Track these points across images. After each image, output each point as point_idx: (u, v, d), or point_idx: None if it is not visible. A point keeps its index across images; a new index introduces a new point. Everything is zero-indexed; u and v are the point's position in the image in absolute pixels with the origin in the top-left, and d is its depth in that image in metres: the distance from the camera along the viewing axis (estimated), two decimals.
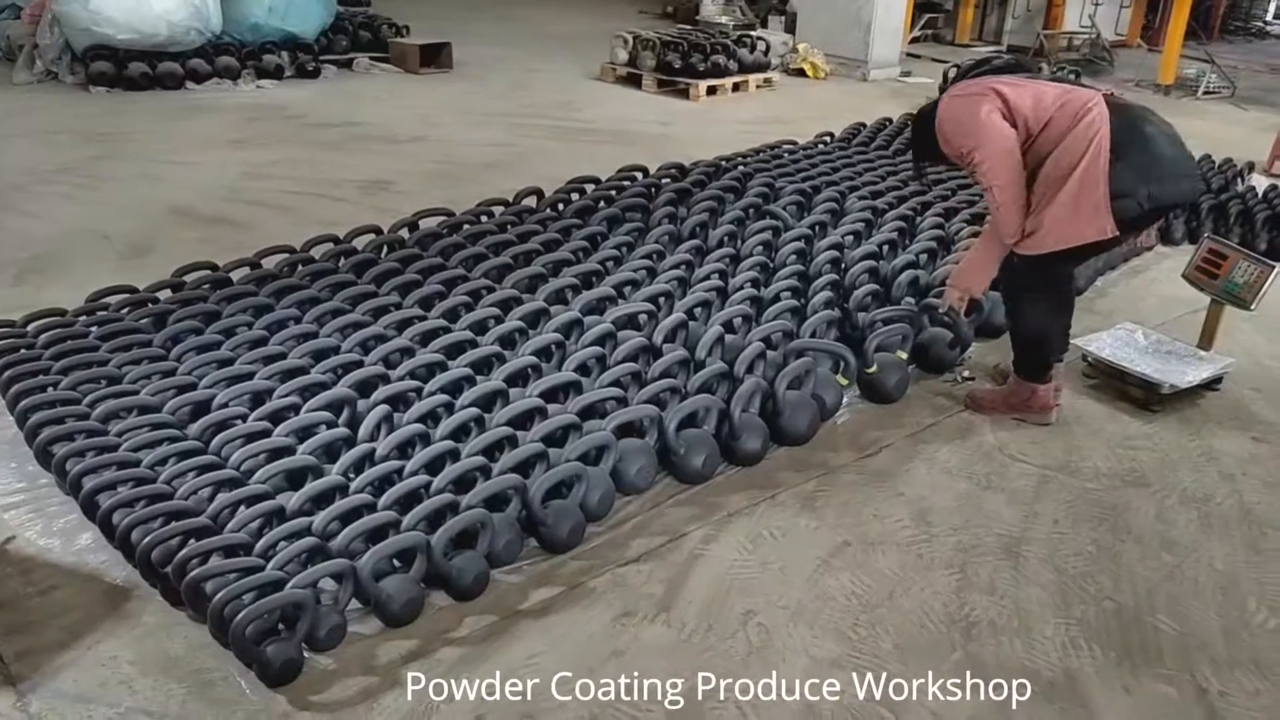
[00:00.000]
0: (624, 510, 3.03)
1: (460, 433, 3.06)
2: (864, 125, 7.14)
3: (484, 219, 4.90)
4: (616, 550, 2.88)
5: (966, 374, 3.88)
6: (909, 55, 11.61)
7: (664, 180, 5.56)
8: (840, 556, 2.87)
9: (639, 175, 5.61)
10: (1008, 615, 2.66)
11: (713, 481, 3.17)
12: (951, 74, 8.90)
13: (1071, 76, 8.67)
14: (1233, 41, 14.66)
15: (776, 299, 3.97)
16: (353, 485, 2.79)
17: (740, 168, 5.92)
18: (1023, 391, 3.58)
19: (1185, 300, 4.33)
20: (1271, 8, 17.57)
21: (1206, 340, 3.95)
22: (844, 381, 3.56)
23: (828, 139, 6.91)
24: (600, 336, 3.56)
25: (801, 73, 10.36)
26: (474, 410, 3.09)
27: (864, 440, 3.46)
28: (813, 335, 3.71)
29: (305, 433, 3.04)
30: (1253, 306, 3.74)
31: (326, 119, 7.83)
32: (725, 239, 4.65)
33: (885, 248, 4.56)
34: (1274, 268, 3.70)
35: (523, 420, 3.11)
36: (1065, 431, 3.55)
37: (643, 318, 3.80)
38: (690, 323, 3.82)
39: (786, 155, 6.31)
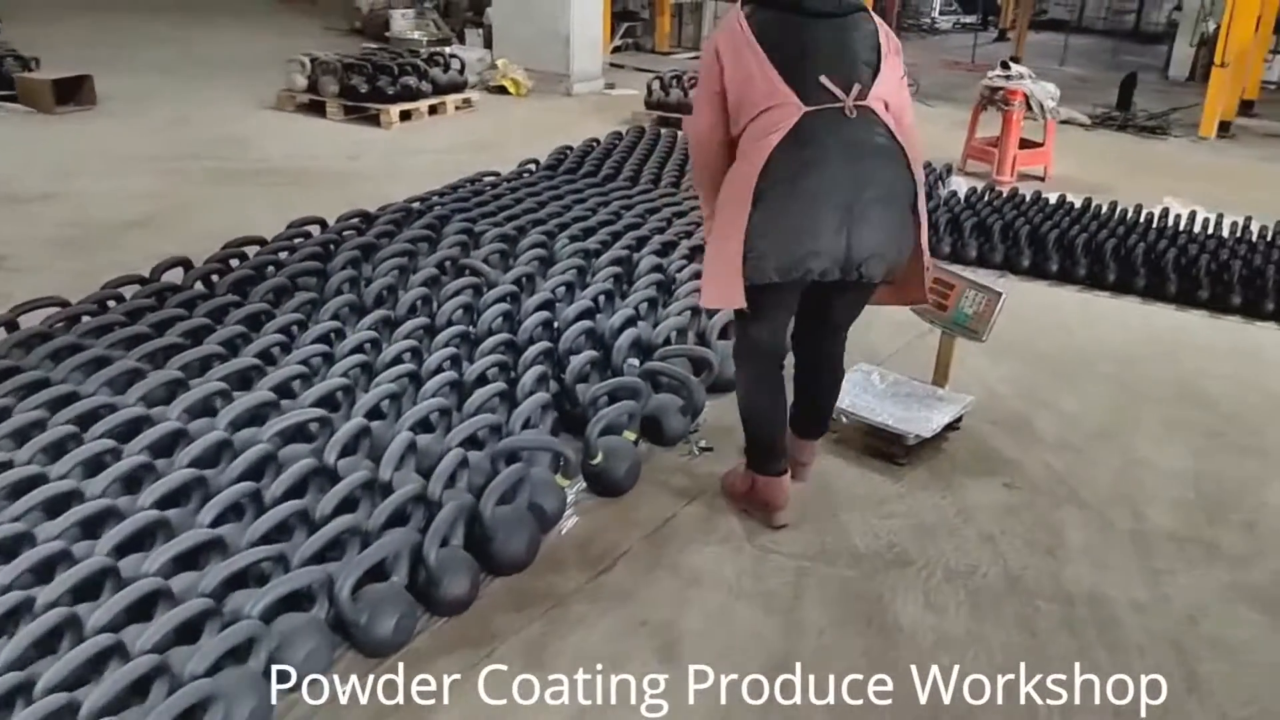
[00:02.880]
0: (290, 716, 2.29)
1: (47, 645, 2.21)
2: (570, 149, 6.65)
3: (111, 305, 3.93)
4: None
5: (704, 443, 3.43)
6: (612, 66, 11.33)
7: (345, 233, 4.79)
8: None
9: (315, 229, 4.81)
10: None
11: (411, 646, 2.50)
12: (655, 86, 8.64)
13: None
14: (908, 38, 15.53)
15: (482, 380, 3.35)
16: None
17: (436, 209, 5.25)
18: (744, 481, 3.11)
19: (913, 324, 4.09)
20: (936, 4, 18.98)
21: (941, 375, 3.71)
22: (565, 483, 2.99)
23: (533, 166, 6.37)
24: (255, 463, 2.80)
25: (503, 90, 9.79)
26: (59, 613, 2.24)
27: (595, 550, 2.90)
28: (526, 425, 3.11)
29: None
30: (985, 337, 3.53)
31: None
32: (418, 304, 3.96)
33: (602, 299, 4.05)
34: (1000, 295, 3.49)
35: (141, 607, 2.31)
36: (816, 501, 3.16)
37: (314, 426, 3.06)
38: (378, 421, 3.13)
39: (488, 190, 5.70)
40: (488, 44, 10.82)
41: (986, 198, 5.90)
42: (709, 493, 3.18)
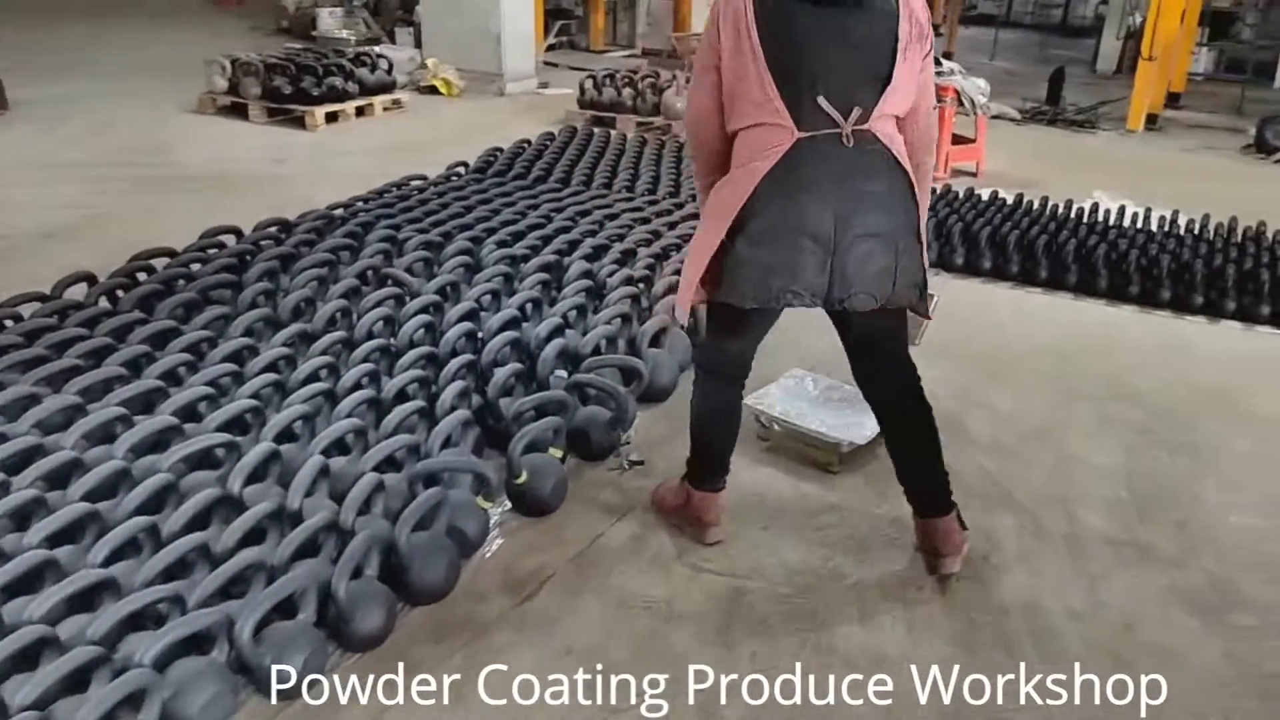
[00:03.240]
0: None
1: None
2: (500, 150, 6.51)
3: (9, 324, 3.71)
4: None
5: (634, 457, 3.32)
6: (546, 64, 11.19)
7: (262, 243, 4.60)
8: None
9: (230, 239, 4.62)
10: None
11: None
12: (588, 85, 8.51)
13: None
14: None
15: (402, 396, 3.21)
16: None
17: (360, 215, 5.08)
18: (677, 495, 2.99)
19: None
20: None
21: None
22: (487, 505, 2.87)
23: (461, 170, 6.21)
24: (154, 494, 2.64)
25: (434, 90, 9.59)
26: None
27: (519, 574, 2.78)
28: (446, 444, 2.98)
29: None
30: (918, 341, 3.47)
31: None
32: (337, 317, 3.81)
33: (529, 307, 3.93)
34: (932, 299, 3.43)
35: (25, 657, 2.14)
36: (750, 516, 3.08)
37: (220, 452, 2.90)
38: (290, 444, 2.98)
39: (415, 195, 5.54)
40: (418, 43, 10.61)
41: None
42: (639, 509, 3.08)
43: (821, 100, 2.32)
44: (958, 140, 7.16)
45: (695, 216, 5.26)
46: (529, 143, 6.73)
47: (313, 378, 3.27)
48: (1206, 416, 3.84)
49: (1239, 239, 5.31)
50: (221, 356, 3.37)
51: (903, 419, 2.81)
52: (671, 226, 5.07)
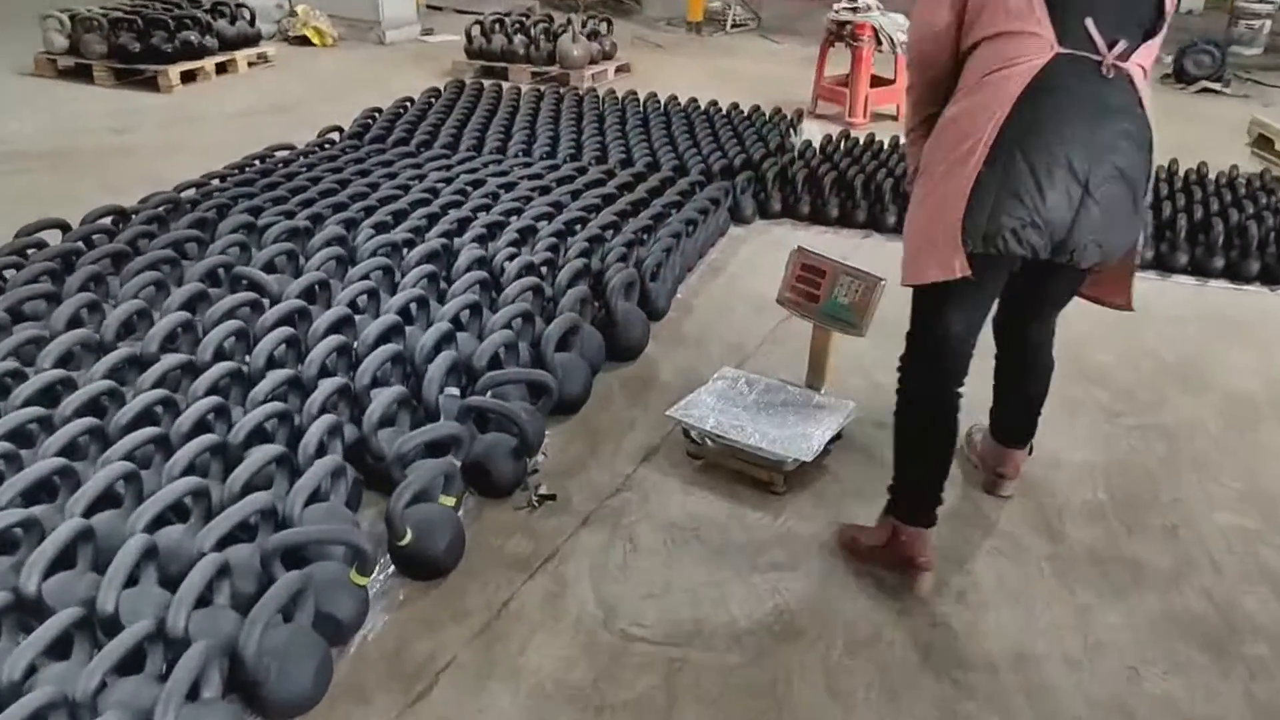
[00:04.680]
0: None
1: None
2: (379, 112, 5.81)
3: None
4: None
5: (543, 489, 2.80)
6: (430, 8, 10.35)
7: (95, 237, 3.89)
8: None
9: (57, 234, 3.90)
10: None
11: None
12: (475, 32, 7.79)
13: (603, 26, 7.95)
14: None
15: (257, 436, 2.62)
16: None
17: (215, 197, 4.39)
18: (882, 534, 2.51)
19: (777, 307, 3.52)
20: None
21: (816, 374, 3.19)
22: (362, 581, 2.32)
23: (335, 136, 5.52)
24: None
25: (306, 41, 8.72)
26: None
27: (410, 662, 2.25)
28: (312, 500, 2.41)
29: None
30: (864, 330, 3.01)
31: None
32: (178, 333, 3.17)
33: (414, 308, 3.34)
34: (878, 281, 2.97)
35: None
36: (685, 558, 2.60)
37: (18, 532, 2.28)
38: (110, 512, 2.38)
39: (280, 169, 4.84)
40: None
41: (843, 146, 5.40)
42: (557, 558, 2.57)
43: (1090, 23, 2.11)
44: (877, 82, 6.69)
45: (599, 183, 4.73)
46: (411, 101, 6.03)
47: (143, 419, 2.66)
48: (1173, 391, 3.49)
49: (1181, 184, 4.98)
50: (24, 399, 2.72)
51: (1036, 363, 2.70)
52: (575, 196, 4.50)
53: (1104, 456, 3.09)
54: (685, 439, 2.98)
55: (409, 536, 2.39)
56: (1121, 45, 2.11)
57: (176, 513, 2.39)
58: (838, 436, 3.01)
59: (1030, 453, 2.89)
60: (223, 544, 2.24)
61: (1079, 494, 2.90)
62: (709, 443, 2.92)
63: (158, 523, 2.29)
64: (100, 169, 5.47)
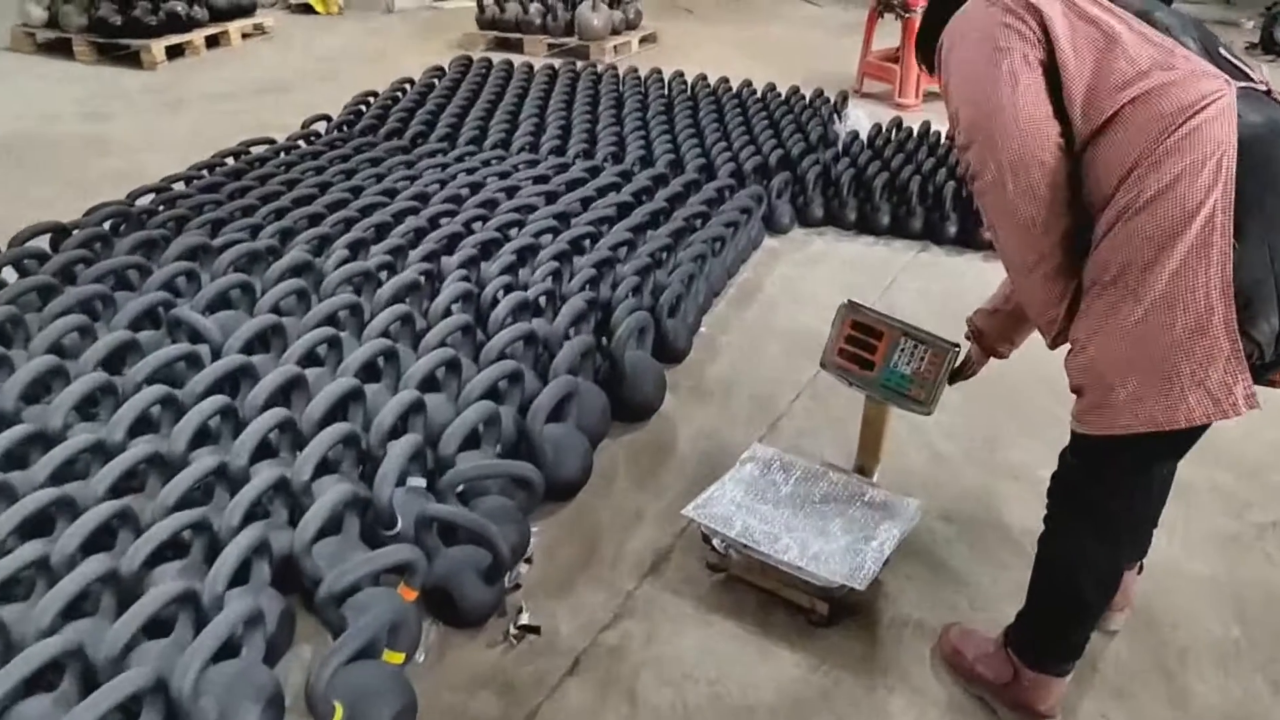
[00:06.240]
0: None
1: None
2: (373, 96, 5.21)
3: None
4: None
5: (526, 620, 2.23)
6: None
7: (27, 261, 3.36)
8: None
9: None
10: None
11: None
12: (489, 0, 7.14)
13: None
14: None
15: (157, 559, 2.08)
16: None
17: (174, 207, 3.83)
18: (1002, 671, 2.02)
19: (818, 336, 2.82)
20: None
21: (867, 455, 2.58)
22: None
23: (321, 127, 4.93)
24: None
25: (308, 9, 8.11)
26: None
27: None
28: (219, 657, 1.86)
29: None
30: (931, 408, 2.39)
31: None
32: (97, 396, 2.62)
33: (381, 361, 2.76)
34: (950, 350, 2.34)
35: None
36: (696, 715, 2.03)
37: None
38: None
39: (253, 170, 4.26)
40: None
41: (894, 138, 4.73)
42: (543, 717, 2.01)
43: (1224, 49, 1.63)
44: None
45: (614, 188, 4.10)
46: (411, 84, 5.42)
47: (29, 533, 2.12)
48: None
49: None
50: None
51: (1165, 484, 2.10)
52: (585, 205, 3.89)
53: (1231, 568, 2.46)
54: (704, 544, 2.39)
55: (339, 715, 1.83)
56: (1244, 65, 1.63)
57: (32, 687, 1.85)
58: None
59: (1140, 571, 2.28)
60: None
61: (1204, 627, 2.28)
62: (734, 554, 2.33)
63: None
64: (67, 164, 4.95)
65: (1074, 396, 1.73)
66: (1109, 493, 1.81)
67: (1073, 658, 1.98)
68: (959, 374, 2.34)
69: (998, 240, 1.76)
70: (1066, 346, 1.74)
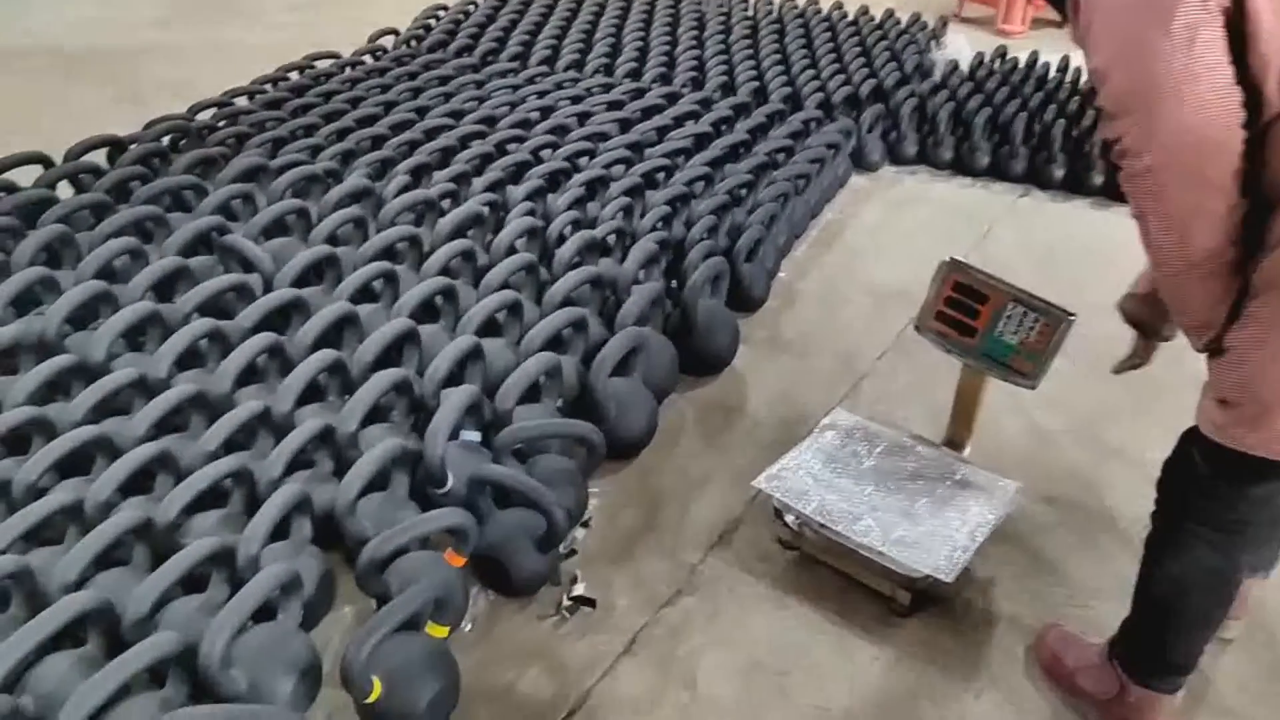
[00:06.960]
0: None
1: None
2: (443, 10, 4.98)
3: None
4: None
5: (580, 590, 2.08)
6: None
7: (82, 176, 3.24)
8: None
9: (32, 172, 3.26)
10: None
11: None
12: None
13: None
14: None
15: (193, 509, 1.96)
16: None
17: (233, 124, 3.69)
18: (1107, 684, 1.82)
19: (913, 297, 2.55)
20: None
21: (960, 427, 2.35)
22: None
23: (388, 42, 4.72)
24: None
25: None
26: None
27: None
28: (260, 621, 1.74)
29: None
30: (1037, 382, 2.15)
31: None
32: (144, 327, 2.50)
33: (441, 299, 2.59)
34: (1065, 319, 2.09)
35: None
36: (759, 706, 1.86)
37: None
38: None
39: (317, 86, 4.08)
40: None
41: (998, 69, 4.36)
42: (584, 712, 1.87)
43: None
44: None
45: (692, 116, 3.83)
46: None
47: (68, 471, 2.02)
48: None
49: None
50: None
51: None
52: (661, 134, 3.63)
53: None
54: (776, 518, 2.21)
55: (377, 690, 1.70)
56: None
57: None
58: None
59: (1266, 576, 2.04)
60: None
61: None
62: (809, 532, 2.14)
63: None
64: (122, 75, 4.82)
65: (1202, 378, 1.50)
66: (1230, 505, 1.58)
67: (1184, 674, 1.77)
68: (1127, 365, 2.04)
69: (1147, 232, 1.46)
70: None
